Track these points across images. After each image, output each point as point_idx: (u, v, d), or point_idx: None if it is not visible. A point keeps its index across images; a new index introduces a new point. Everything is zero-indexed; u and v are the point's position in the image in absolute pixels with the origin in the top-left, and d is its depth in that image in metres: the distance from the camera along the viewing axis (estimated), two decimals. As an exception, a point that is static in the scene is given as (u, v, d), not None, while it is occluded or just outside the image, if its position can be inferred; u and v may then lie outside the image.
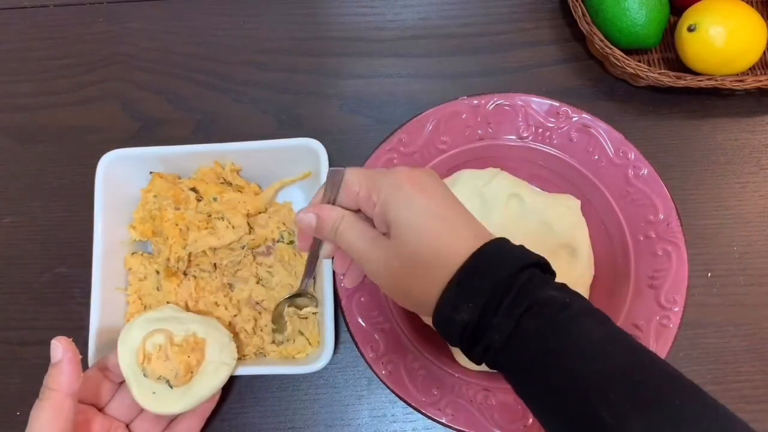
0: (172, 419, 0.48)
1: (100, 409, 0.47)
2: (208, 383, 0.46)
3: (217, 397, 0.49)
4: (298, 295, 0.52)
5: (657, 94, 0.61)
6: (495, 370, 0.35)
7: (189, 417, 0.47)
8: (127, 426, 0.47)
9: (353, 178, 0.37)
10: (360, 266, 0.38)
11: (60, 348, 0.42)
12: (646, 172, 0.53)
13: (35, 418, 0.40)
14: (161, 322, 0.47)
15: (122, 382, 0.47)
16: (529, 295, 0.33)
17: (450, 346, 0.51)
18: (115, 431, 0.46)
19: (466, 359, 0.50)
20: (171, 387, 0.45)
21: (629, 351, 0.32)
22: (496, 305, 0.33)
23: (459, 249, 0.34)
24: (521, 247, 0.36)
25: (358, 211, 0.38)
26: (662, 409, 0.29)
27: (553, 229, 0.53)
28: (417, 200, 0.35)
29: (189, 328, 0.47)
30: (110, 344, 0.50)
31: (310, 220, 0.38)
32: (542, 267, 0.35)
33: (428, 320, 0.37)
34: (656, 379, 0.30)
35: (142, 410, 0.47)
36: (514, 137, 0.55)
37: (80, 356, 0.42)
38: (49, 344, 0.55)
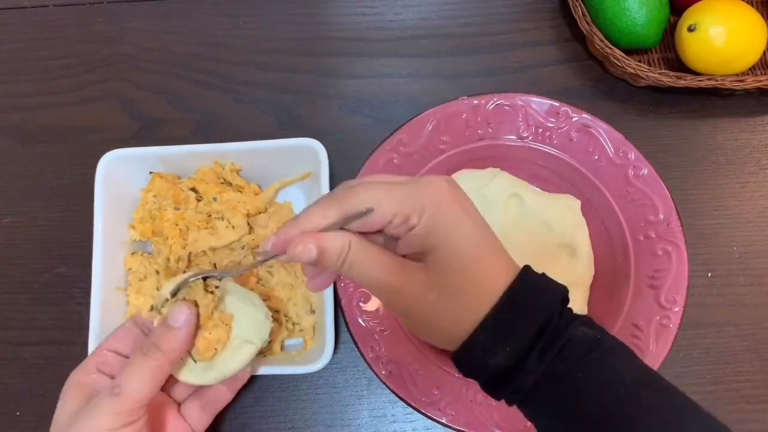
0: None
1: None
2: (232, 360, 0.43)
3: (247, 376, 0.47)
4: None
5: (657, 94, 0.61)
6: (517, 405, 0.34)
7: (218, 387, 0.46)
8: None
9: (386, 200, 0.31)
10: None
11: (184, 316, 0.40)
12: (646, 172, 0.53)
13: (132, 372, 0.39)
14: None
15: None
16: (563, 335, 0.31)
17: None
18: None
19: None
20: (194, 360, 0.42)
21: (661, 393, 0.31)
22: (530, 348, 0.31)
23: (498, 279, 0.32)
24: (544, 276, 0.34)
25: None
26: None
27: (553, 229, 0.53)
28: (464, 223, 0.32)
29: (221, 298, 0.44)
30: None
31: (310, 254, 0.31)
32: (564, 299, 0.34)
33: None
34: (691, 425, 0.30)
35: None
36: (514, 137, 0.55)
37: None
38: (49, 344, 0.55)
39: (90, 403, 0.39)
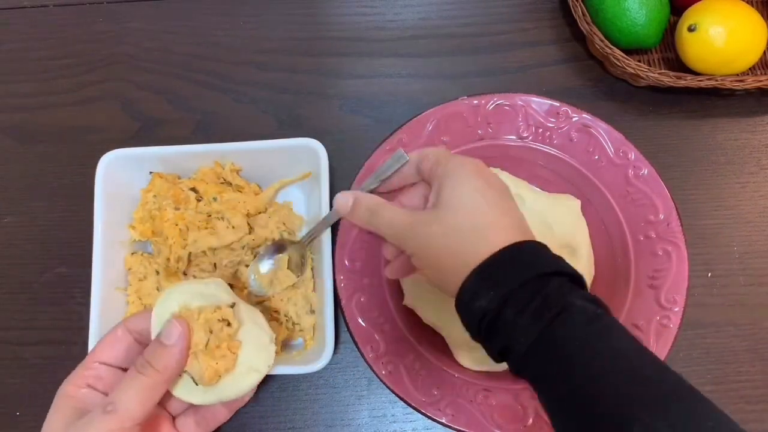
0: None
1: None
2: (234, 385, 0.42)
3: (246, 398, 0.45)
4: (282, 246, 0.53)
5: (657, 94, 0.61)
6: (516, 373, 0.35)
7: (216, 406, 0.44)
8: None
9: (427, 151, 0.40)
10: (396, 242, 0.39)
11: (177, 332, 0.39)
12: (646, 172, 0.53)
13: (127, 389, 0.38)
14: (203, 299, 0.42)
15: None
16: (561, 300, 0.32)
17: (451, 347, 0.51)
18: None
19: (467, 359, 0.50)
20: (195, 383, 0.41)
21: (658, 370, 0.32)
22: (523, 303, 0.32)
23: (498, 237, 0.35)
24: (559, 257, 0.35)
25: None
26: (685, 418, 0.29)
27: (553, 229, 0.53)
28: (475, 182, 0.37)
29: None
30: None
31: (346, 201, 0.41)
32: (576, 280, 0.35)
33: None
34: (687, 398, 0.30)
35: None
36: (514, 137, 0.55)
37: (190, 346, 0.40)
38: (49, 344, 0.55)
39: (82, 419, 0.38)
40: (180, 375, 0.41)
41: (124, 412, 0.37)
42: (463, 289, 0.34)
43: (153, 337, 0.40)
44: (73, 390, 0.41)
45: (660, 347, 0.48)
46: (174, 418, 0.44)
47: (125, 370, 0.41)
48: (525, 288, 0.33)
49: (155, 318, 0.41)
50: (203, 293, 0.43)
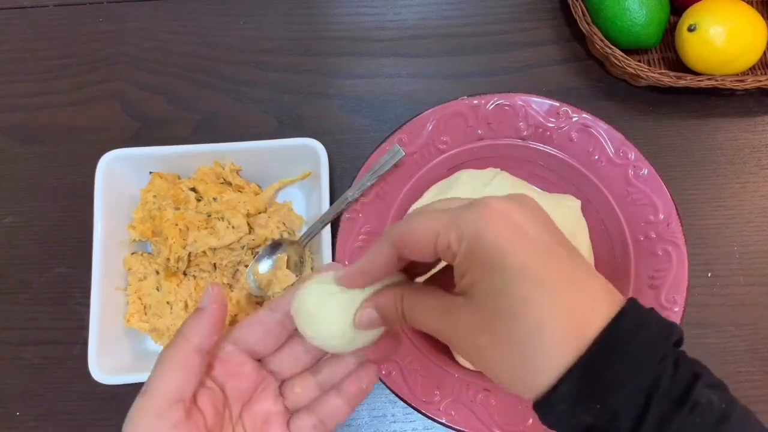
0: (325, 393, 0.38)
1: (260, 360, 0.37)
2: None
3: (371, 389, 0.38)
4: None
5: (657, 94, 0.61)
6: None
7: (336, 402, 0.37)
8: (280, 387, 0.38)
9: (431, 226, 0.28)
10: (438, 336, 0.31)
11: (210, 297, 0.35)
12: (646, 172, 0.53)
13: (159, 364, 0.33)
14: None
15: (294, 334, 0.38)
16: (683, 399, 0.25)
17: (450, 347, 0.51)
18: (263, 390, 0.37)
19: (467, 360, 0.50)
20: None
21: None
22: (637, 413, 0.25)
23: (574, 327, 0.26)
24: (652, 313, 0.27)
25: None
26: None
27: (553, 229, 0.53)
28: (509, 257, 0.26)
29: None
30: (111, 344, 0.50)
31: (371, 318, 0.32)
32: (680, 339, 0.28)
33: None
34: None
35: (303, 370, 0.38)
36: (514, 137, 0.55)
37: (227, 314, 0.36)
38: (49, 344, 0.55)
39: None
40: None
41: (154, 391, 0.32)
42: (552, 399, 0.26)
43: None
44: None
45: (660, 347, 0.48)
46: (288, 421, 0.37)
47: (256, 355, 0.37)
48: (638, 391, 0.25)
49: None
50: None
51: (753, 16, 0.57)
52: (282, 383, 0.37)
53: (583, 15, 0.59)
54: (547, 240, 0.28)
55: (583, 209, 0.54)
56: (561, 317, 0.26)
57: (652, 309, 0.27)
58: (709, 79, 0.57)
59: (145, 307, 0.53)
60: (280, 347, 0.37)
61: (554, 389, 0.26)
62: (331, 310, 0.33)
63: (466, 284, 0.28)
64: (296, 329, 0.36)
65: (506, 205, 0.28)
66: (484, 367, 0.29)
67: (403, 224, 0.30)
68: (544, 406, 0.27)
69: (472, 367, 0.50)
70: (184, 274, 0.54)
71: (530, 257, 0.26)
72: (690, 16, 0.57)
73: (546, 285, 0.26)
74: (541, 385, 0.26)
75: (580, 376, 0.25)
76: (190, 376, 0.33)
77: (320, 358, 0.38)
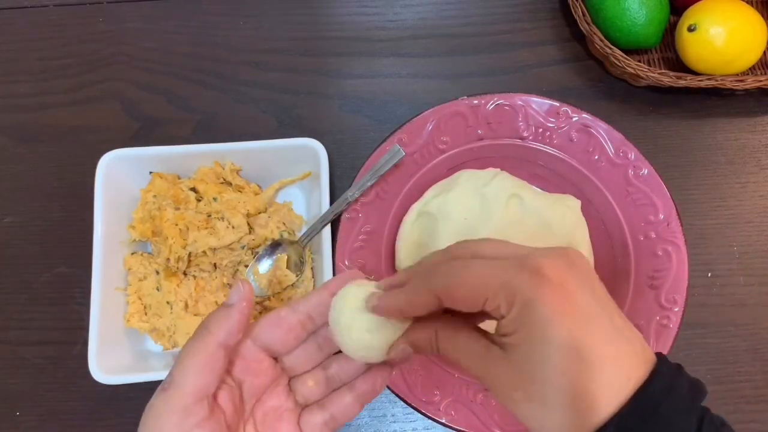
0: (334, 390, 0.38)
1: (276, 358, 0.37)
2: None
3: (383, 389, 0.39)
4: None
5: (657, 94, 0.61)
6: None
7: (348, 401, 0.37)
8: (289, 384, 0.38)
9: (474, 280, 0.29)
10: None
11: (239, 293, 0.34)
12: (646, 172, 0.53)
13: (184, 358, 0.33)
14: None
15: (313, 334, 0.38)
16: None
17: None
18: (275, 386, 0.37)
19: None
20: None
21: None
22: None
23: (606, 395, 0.27)
24: (678, 377, 0.28)
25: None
26: None
27: (553, 229, 0.53)
28: (556, 331, 0.27)
29: None
30: (111, 344, 0.50)
31: (406, 353, 0.33)
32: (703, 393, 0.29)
33: None
34: None
35: (314, 367, 0.38)
36: (514, 137, 0.55)
37: (252, 310, 0.36)
38: (49, 344, 0.55)
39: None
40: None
41: (179, 387, 0.32)
42: None
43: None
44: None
45: (660, 347, 0.48)
46: (299, 415, 0.38)
47: (272, 353, 0.37)
48: None
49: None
50: None
51: (753, 16, 0.57)
52: (290, 379, 0.38)
53: (583, 15, 0.59)
54: (594, 308, 0.28)
55: (583, 209, 0.54)
56: (595, 390, 0.27)
57: (679, 366, 0.29)
58: (709, 79, 0.57)
59: (145, 307, 0.53)
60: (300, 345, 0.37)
61: None
62: (368, 326, 0.33)
63: (507, 342, 0.29)
64: (315, 330, 0.36)
65: (560, 273, 0.28)
66: (514, 413, 0.30)
67: (450, 275, 0.30)
68: None
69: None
70: (184, 274, 0.54)
71: (576, 333, 0.27)
72: (690, 16, 0.57)
73: (584, 360, 0.27)
74: None
75: None
76: (215, 372, 0.32)
77: (330, 354, 0.38)
